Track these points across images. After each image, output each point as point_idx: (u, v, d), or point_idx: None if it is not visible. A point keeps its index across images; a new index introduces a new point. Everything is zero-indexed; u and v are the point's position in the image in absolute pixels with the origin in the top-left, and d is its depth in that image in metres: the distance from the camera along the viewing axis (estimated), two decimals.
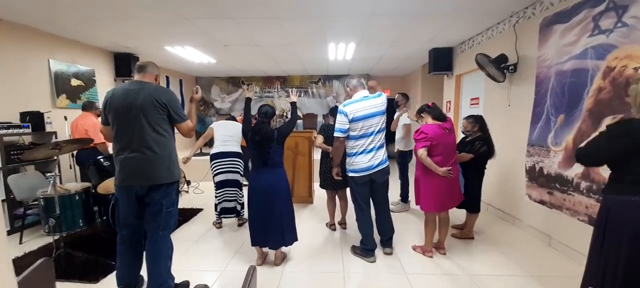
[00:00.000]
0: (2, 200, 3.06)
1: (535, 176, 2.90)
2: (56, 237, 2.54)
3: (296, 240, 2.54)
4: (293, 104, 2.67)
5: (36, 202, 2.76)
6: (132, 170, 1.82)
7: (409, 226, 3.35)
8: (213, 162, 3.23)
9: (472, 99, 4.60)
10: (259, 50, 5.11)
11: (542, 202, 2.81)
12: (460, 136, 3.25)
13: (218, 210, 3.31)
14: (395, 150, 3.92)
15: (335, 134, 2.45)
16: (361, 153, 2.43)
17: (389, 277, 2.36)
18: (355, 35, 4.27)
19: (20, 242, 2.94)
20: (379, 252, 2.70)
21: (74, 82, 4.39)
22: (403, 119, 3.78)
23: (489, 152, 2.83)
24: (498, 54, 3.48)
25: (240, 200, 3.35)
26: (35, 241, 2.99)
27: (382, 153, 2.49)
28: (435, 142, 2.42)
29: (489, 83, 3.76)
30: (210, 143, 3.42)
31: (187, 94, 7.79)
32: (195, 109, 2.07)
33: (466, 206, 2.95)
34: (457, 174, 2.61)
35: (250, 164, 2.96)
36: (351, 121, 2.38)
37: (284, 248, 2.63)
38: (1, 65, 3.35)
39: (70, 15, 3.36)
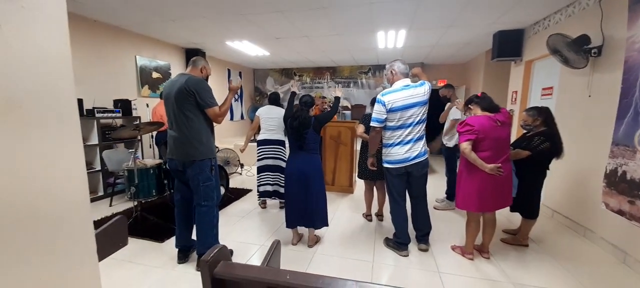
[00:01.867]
0: (98, 171, 3.84)
1: (616, 181, 2.43)
2: (135, 203, 3.11)
3: (326, 225, 2.64)
4: (337, 98, 2.76)
5: (123, 173, 3.39)
6: (171, 146, 2.18)
7: (451, 225, 3.15)
8: (259, 148, 3.50)
9: (544, 89, 3.99)
10: (308, 41, 5.25)
11: (620, 213, 2.35)
12: (521, 131, 2.88)
13: (259, 191, 3.56)
14: (441, 145, 3.67)
15: (372, 124, 2.41)
16: (398, 144, 2.36)
17: (419, 273, 2.29)
18: (404, 21, 4.07)
19: (110, 205, 3.68)
20: (413, 248, 2.62)
21: (154, 75, 5.17)
22: (454, 112, 3.50)
23: (555, 150, 2.46)
24: (579, 35, 2.94)
25: (282, 183, 3.57)
26: (121, 205, 3.70)
27: (420, 146, 2.37)
28: (482, 135, 2.21)
29: (566, 70, 3.22)
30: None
31: (245, 86, 8.45)
32: (230, 97, 2.27)
33: (520, 210, 2.64)
34: (509, 173, 2.34)
35: None
36: (389, 111, 2.32)
37: (318, 232, 2.75)
38: (100, 61, 4.15)
39: (153, 16, 3.96)
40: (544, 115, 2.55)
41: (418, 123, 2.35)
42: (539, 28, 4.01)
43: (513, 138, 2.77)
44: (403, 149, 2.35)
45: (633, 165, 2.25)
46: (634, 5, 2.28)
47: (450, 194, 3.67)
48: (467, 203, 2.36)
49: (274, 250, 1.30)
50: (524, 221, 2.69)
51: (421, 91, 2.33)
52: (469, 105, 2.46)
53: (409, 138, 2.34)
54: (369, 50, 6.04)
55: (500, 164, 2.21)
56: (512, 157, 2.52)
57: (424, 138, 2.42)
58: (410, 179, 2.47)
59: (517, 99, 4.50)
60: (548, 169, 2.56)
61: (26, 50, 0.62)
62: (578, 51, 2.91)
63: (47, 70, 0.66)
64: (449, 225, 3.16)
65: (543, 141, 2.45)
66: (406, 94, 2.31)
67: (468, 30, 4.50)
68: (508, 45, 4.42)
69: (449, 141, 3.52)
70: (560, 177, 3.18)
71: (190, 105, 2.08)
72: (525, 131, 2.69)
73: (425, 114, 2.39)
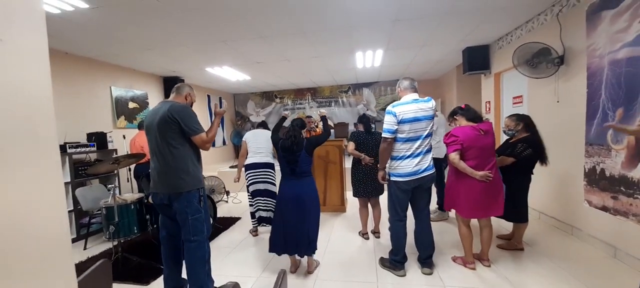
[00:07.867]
0: (70, 211, 3.51)
1: (596, 179, 2.58)
2: (115, 243, 2.85)
3: (315, 249, 2.49)
4: (324, 118, 2.73)
5: (100, 212, 3.12)
6: (154, 179, 2.04)
7: (448, 236, 3.16)
8: (247, 173, 3.38)
9: (514, 98, 4.27)
10: (289, 64, 5.32)
11: (604, 209, 2.48)
12: (503, 137, 3.02)
13: (255, 217, 3.42)
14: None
15: (383, 135, 2.37)
16: (409, 157, 2.33)
17: None
18: (382, 42, 4.25)
19: (85, 248, 3.33)
20: (416, 269, 2.54)
21: (131, 105, 4.96)
22: (438, 124, 3.62)
23: (537, 156, 2.58)
24: (541, 47, 3.21)
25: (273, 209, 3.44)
26: (97, 247, 3.37)
27: (429, 159, 2.37)
28: (467, 144, 2.28)
29: (532, 80, 3.47)
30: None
31: (226, 111, 8.32)
32: (217, 122, 2.18)
33: (510, 217, 2.69)
34: (499, 180, 2.41)
35: None
36: (400, 122, 2.31)
37: (316, 256, 2.64)
38: (72, 93, 3.93)
39: (128, 46, 3.84)
40: (524, 120, 2.69)
41: (427, 136, 2.35)
42: (503, 43, 4.34)
43: (496, 146, 2.88)
44: (414, 162, 2.32)
45: (610, 163, 2.42)
46: (591, 16, 2.53)
47: (442, 204, 3.72)
48: (461, 209, 2.42)
49: (282, 281, 1.21)
50: (516, 226, 2.76)
51: (429, 105, 2.35)
52: (454, 117, 2.55)
53: (419, 150, 2.33)
54: (348, 71, 6.22)
55: (489, 171, 2.28)
56: (498, 164, 2.61)
57: (431, 151, 2.43)
58: (417, 192, 2.43)
59: (491, 108, 4.76)
60: (532, 174, 2.67)
61: (3, 84, 0.57)
62: (543, 61, 3.17)
63: (26, 105, 0.61)
64: (445, 236, 3.17)
65: (526, 147, 2.57)
66: (415, 107, 2.31)
67: (439, 48, 4.78)
68: (477, 59, 4.74)
69: (437, 153, 3.60)
70: (543, 179, 3.33)
71: (173, 133, 1.96)
72: (507, 138, 2.82)
73: (432, 128, 2.40)
